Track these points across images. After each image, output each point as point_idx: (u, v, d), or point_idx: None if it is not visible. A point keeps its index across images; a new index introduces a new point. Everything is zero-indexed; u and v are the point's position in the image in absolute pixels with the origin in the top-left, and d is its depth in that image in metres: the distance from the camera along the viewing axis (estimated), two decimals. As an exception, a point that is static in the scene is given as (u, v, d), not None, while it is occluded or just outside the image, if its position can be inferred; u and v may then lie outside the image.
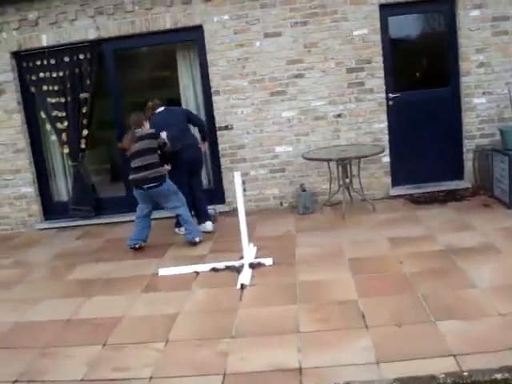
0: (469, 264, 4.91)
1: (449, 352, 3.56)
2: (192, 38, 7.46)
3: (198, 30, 7.32)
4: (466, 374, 2.99)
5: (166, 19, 7.26)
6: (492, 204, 6.70)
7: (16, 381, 3.80)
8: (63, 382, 3.75)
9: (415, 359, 3.52)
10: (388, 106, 7.38)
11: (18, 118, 7.75)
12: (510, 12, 7.03)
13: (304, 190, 7.25)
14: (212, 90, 7.43)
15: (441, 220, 6.30)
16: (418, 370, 3.27)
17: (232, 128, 7.46)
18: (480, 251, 5.21)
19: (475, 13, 7.05)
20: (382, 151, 6.94)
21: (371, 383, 3.00)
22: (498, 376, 2.90)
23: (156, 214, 6.62)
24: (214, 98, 7.43)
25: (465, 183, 7.38)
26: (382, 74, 7.24)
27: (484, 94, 7.23)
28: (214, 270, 5.48)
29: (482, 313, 4.06)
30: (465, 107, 7.31)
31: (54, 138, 7.90)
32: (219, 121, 7.47)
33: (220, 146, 7.55)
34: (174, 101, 7.80)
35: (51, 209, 8.16)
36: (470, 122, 7.31)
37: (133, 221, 6.46)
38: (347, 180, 7.00)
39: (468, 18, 7.08)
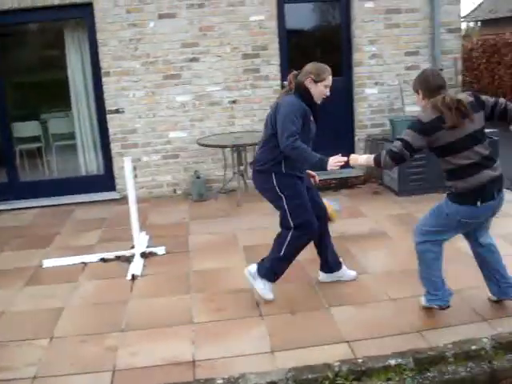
0: (361, 250, 4.99)
1: (342, 339, 3.57)
2: (81, 15, 7.06)
3: (88, 7, 6.92)
4: (360, 360, 2.99)
5: (52, -6, 6.81)
6: (382, 191, 6.90)
7: None
8: None
9: (310, 347, 3.51)
10: (283, 93, 7.36)
11: None
12: (403, 5, 7.24)
13: (198, 177, 7.09)
14: (102, 71, 7.07)
15: (333, 207, 6.37)
16: (313, 358, 3.24)
17: (123, 112, 7.14)
18: (371, 237, 5.32)
19: (369, 4, 7.20)
20: (277, 138, 6.93)
21: (266, 374, 2.92)
22: (392, 362, 2.92)
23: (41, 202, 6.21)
24: (104, 80, 7.08)
25: (356, 171, 7.48)
26: (277, 61, 7.22)
27: (376, 84, 7.40)
28: (103, 260, 5.22)
29: (373, 298, 4.13)
30: (357, 97, 7.46)
31: None
32: (109, 104, 7.13)
33: (110, 131, 7.21)
34: (62, 82, 7.38)
35: None
36: (362, 112, 7.47)
37: (17, 209, 5.90)
38: (242, 167, 6.93)
39: (362, 9, 7.21)
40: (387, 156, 3.45)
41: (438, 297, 3.66)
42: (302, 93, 3.96)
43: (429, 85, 3.45)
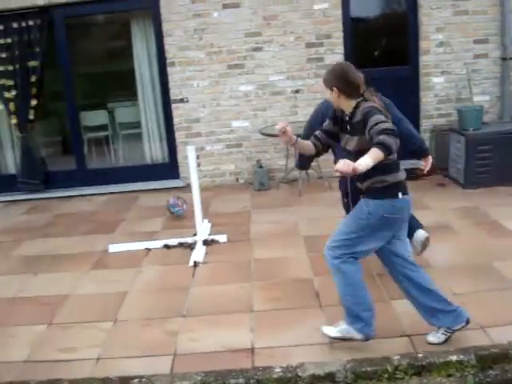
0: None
1: (403, 332, 3.53)
2: (147, 6, 7.20)
3: (154, -3, 7.05)
4: (420, 355, 2.94)
5: (119, -15, 6.97)
6: (447, 183, 6.73)
7: (-47, 362, 3.60)
8: (6, 363, 3.57)
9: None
10: (346, 82, 7.28)
11: (-37, 86, 7.36)
12: (471, -9, 7.00)
13: (261, 167, 7.13)
14: (167, 61, 7.19)
15: (397, 198, 6.27)
16: (372, 351, 3.21)
17: (187, 101, 7.25)
18: (436, 231, 5.19)
19: (437, -9, 6.99)
20: (340, 128, 6.88)
21: (324, 365, 2.93)
22: (453, 358, 2.87)
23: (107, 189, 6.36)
24: (169, 70, 7.20)
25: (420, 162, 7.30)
26: (341, 50, 7.13)
27: (442, 73, 7.21)
28: (167, 246, 5.33)
29: (436, 292, 4.03)
30: (423, 86, 7.29)
31: (1, 107, 7.54)
32: (174, 93, 7.25)
33: (175, 120, 7.34)
34: (129, 72, 7.57)
35: (-2, 182, 7.83)
36: (428, 102, 7.30)
37: (84, 195, 6.07)
38: (304, 157, 6.90)
39: (429, -5, 7.02)
40: (391, 138, 2.88)
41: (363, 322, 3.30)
42: None
43: (352, 84, 3.16)
